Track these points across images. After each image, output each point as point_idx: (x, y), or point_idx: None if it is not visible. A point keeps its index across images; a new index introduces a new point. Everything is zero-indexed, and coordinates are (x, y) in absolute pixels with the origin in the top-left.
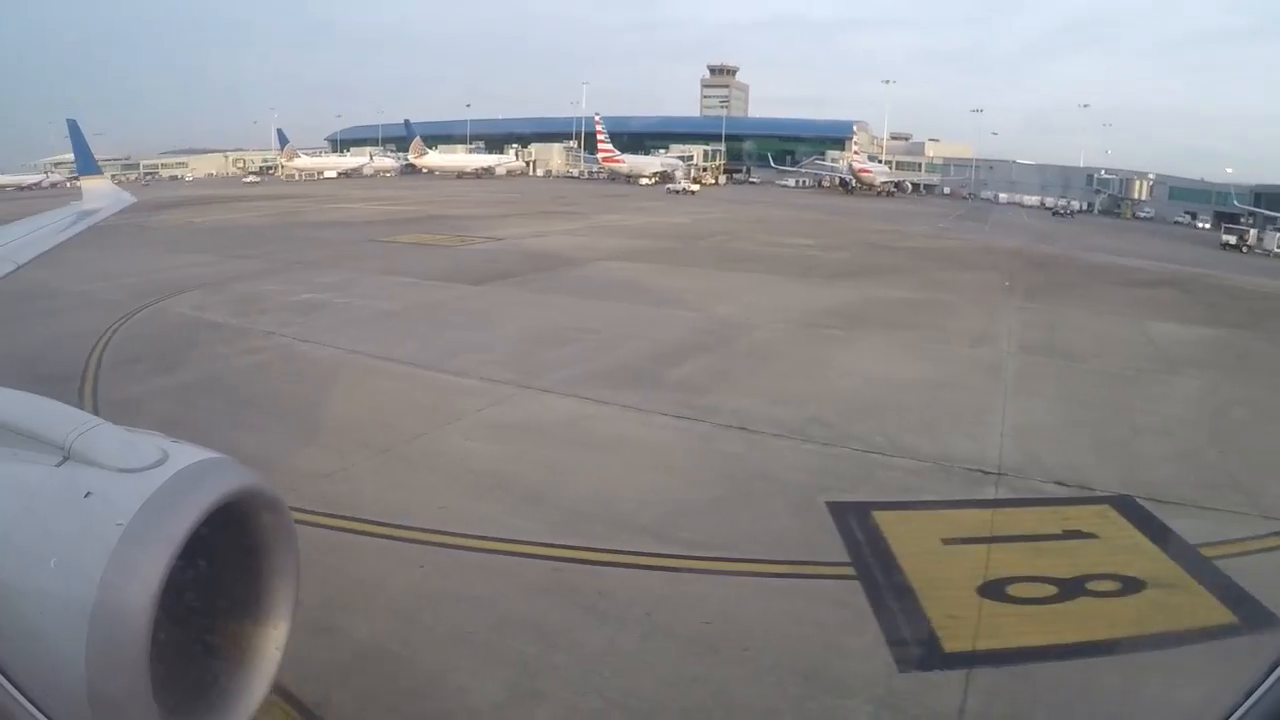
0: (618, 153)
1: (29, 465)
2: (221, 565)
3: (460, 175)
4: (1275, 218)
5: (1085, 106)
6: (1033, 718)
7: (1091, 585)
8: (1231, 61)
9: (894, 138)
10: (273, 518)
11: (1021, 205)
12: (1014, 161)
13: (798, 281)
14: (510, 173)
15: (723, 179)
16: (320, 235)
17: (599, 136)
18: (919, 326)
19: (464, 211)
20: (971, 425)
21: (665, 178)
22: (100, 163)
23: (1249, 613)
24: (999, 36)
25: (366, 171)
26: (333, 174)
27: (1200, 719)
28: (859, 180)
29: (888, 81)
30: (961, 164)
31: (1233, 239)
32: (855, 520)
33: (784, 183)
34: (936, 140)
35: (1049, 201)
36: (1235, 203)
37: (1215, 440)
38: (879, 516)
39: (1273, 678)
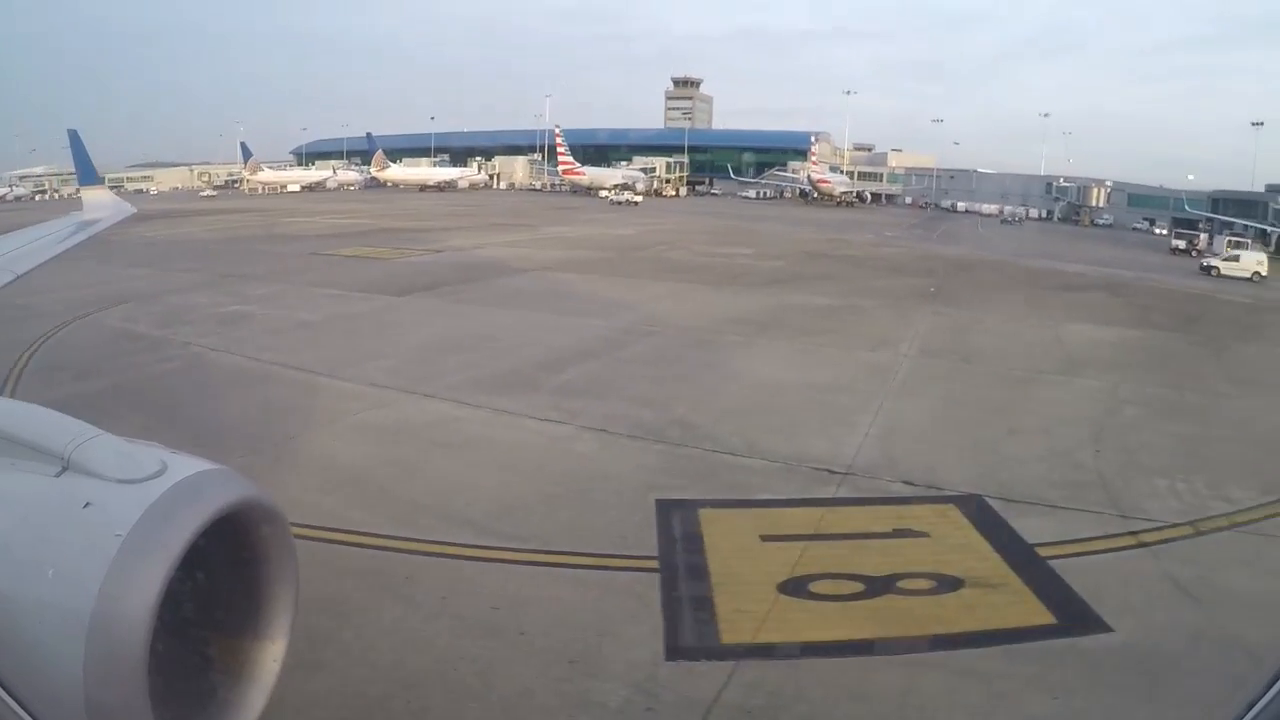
0: (578, 165)
1: (28, 475)
2: (220, 576)
3: (423, 188)
4: (1232, 223)
5: (1046, 115)
6: (790, 712)
7: (903, 584)
8: (1194, 70)
9: (857, 148)
10: (271, 529)
11: (980, 214)
12: (975, 171)
13: (719, 290)
14: (473, 185)
15: (684, 190)
16: (265, 249)
17: (559, 149)
18: (825, 332)
19: (415, 224)
20: (838, 427)
21: (626, 189)
22: (63, 177)
23: (1069, 613)
24: (966, 47)
25: (330, 185)
26: (296, 187)
27: None
28: (818, 191)
29: (848, 92)
30: (923, 174)
31: (1182, 244)
32: (678, 517)
33: (745, 194)
34: (899, 150)
35: (1006, 210)
36: (1187, 208)
37: (1094, 440)
38: (704, 514)
39: (1273, 691)
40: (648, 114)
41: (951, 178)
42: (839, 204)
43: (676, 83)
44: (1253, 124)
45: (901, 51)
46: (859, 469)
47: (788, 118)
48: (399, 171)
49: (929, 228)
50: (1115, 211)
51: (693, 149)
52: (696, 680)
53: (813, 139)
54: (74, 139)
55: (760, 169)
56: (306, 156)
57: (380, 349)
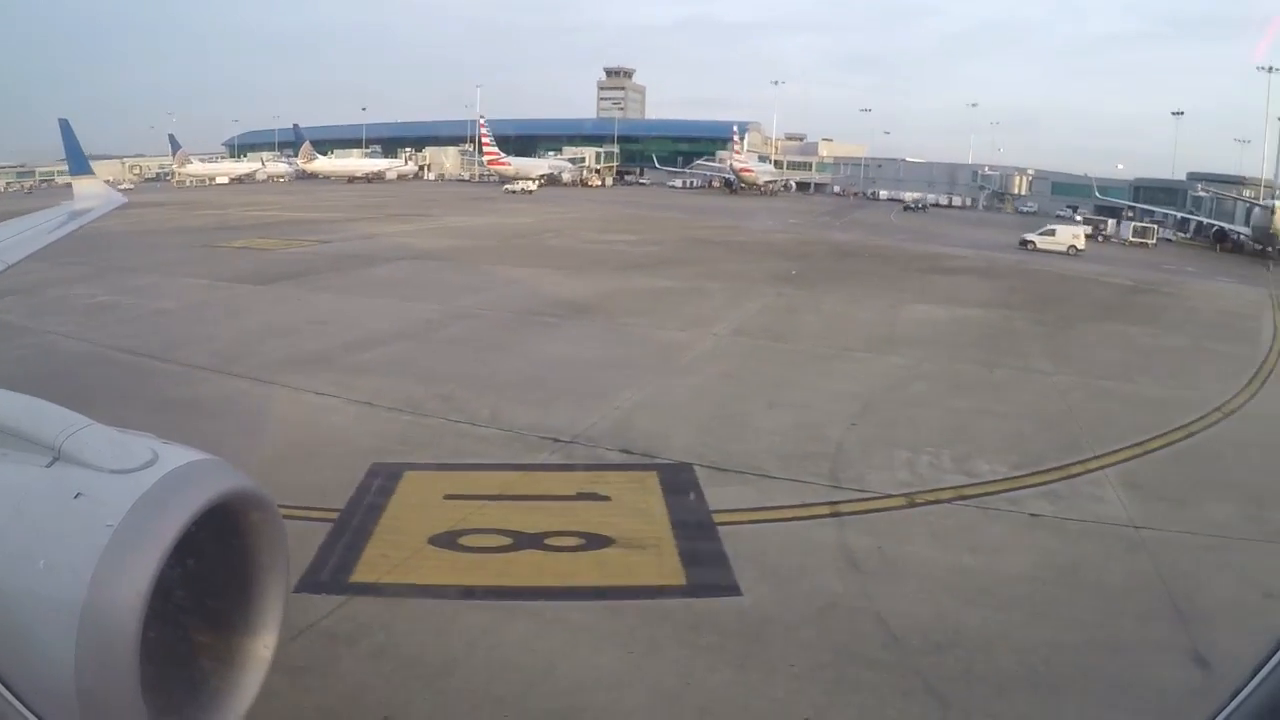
0: (503, 155)
1: (19, 466)
2: (211, 566)
3: (351, 180)
4: (1152, 210)
5: (974, 105)
6: (369, 639)
7: (550, 540)
8: (1127, 63)
9: (789, 138)
10: (262, 519)
11: (901, 201)
12: (902, 160)
13: (574, 275)
14: (401, 177)
15: (610, 180)
16: (162, 241)
17: (483, 140)
18: (646, 313)
19: (322, 216)
20: (594, 400)
21: (552, 179)
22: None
23: (704, 577)
24: (908, 40)
25: (260, 177)
26: (225, 180)
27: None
28: (741, 180)
29: (776, 83)
30: (851, 163)
31: (1089, 229)
32: (383, 478)
33: (673, 183)
34: (830, 140)
35: (909, 197)
36: (1096, 194)
37: (858, 415)
38: (408, 475)
39: (1257, 679)
40: (585, 104)
41: (879, 166)
42: (764, 192)
43: (609, 73)
44: (1173, 113)
45: (843, 44)
46: (586, 438)
47: (725, 108)
48: (326, 163)
49: (839, 214)
50: (1040, 199)
51: (624, 139)
52: (306, 609)
53: (735, 130)
54: (65, 128)
55: (691, 158)
56: (239, 148)
57: (215, 334)
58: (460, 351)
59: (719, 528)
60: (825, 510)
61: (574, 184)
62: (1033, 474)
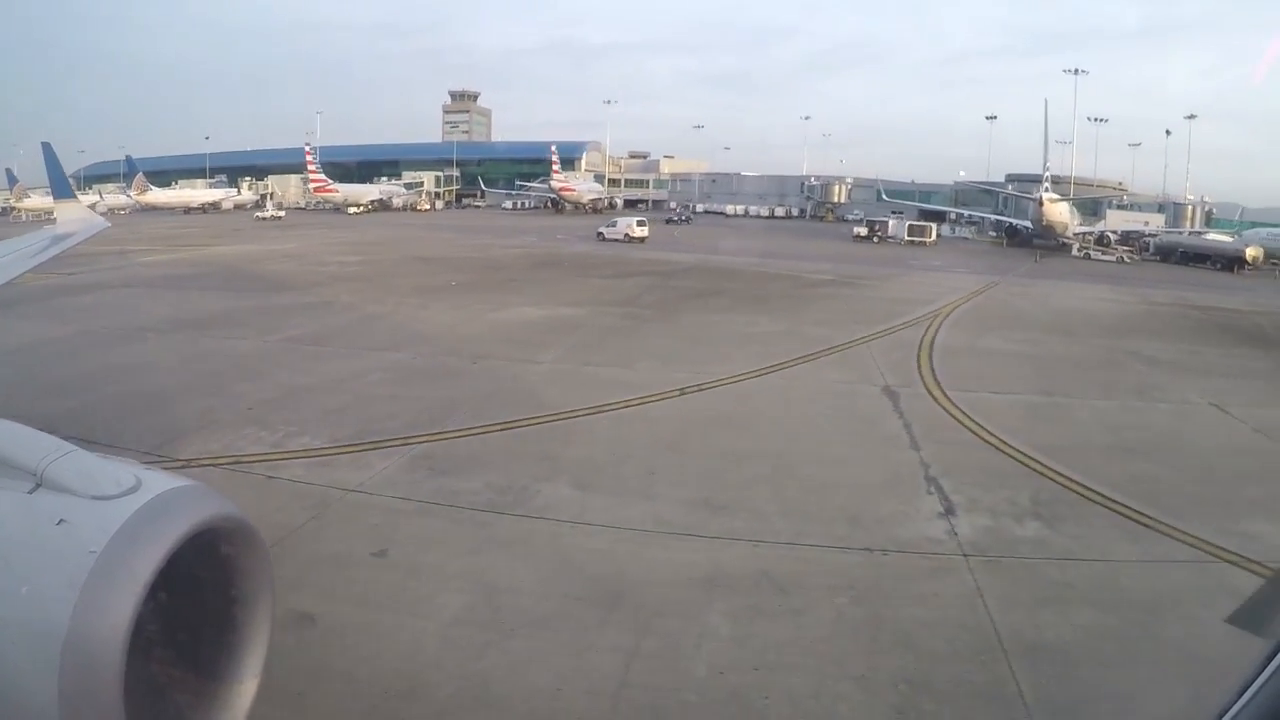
0: (329, 183)
1: (0, 492)
2: (195, 592)
3: (187, 210)
4: (964, 213)
5: (807, 118)
6: None
7: None
8: (979, 77)
9: (632, 156)
10: (246, 545)
11: (723, 214)
12: (736, 174)
13: (231, 296)
14: (238, 206)
15: (439, 204)
16: None
17: (309, 167)
18: (239, 325)
19: (107, 249)
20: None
21: (384, 205)
22: None
23: None
24: (771, 60)
25: (100, 209)
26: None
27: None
28: (564, 199)
29: (608, 102)
30: (684, 178)
31: (864, 231)
32: None
33: (505, 204)
34: (671, 157)
35: (752, 210)
36: (917, 200)
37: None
38: None
39: (1258, 681)
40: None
41: (714, 181)
42: (589, 211)
43: (454, 96)
44: (986, 118)
45: (711, 64)
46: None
47: (584, 129)
48: (161, 194)
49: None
50: (867, 207)
51: (466, 162)
52: None
53: (553, 150)
54: (47, 152)
55: (532, 179)
56: (85, 180)
57: None
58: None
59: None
60: None
61: (404, 208)
62: None
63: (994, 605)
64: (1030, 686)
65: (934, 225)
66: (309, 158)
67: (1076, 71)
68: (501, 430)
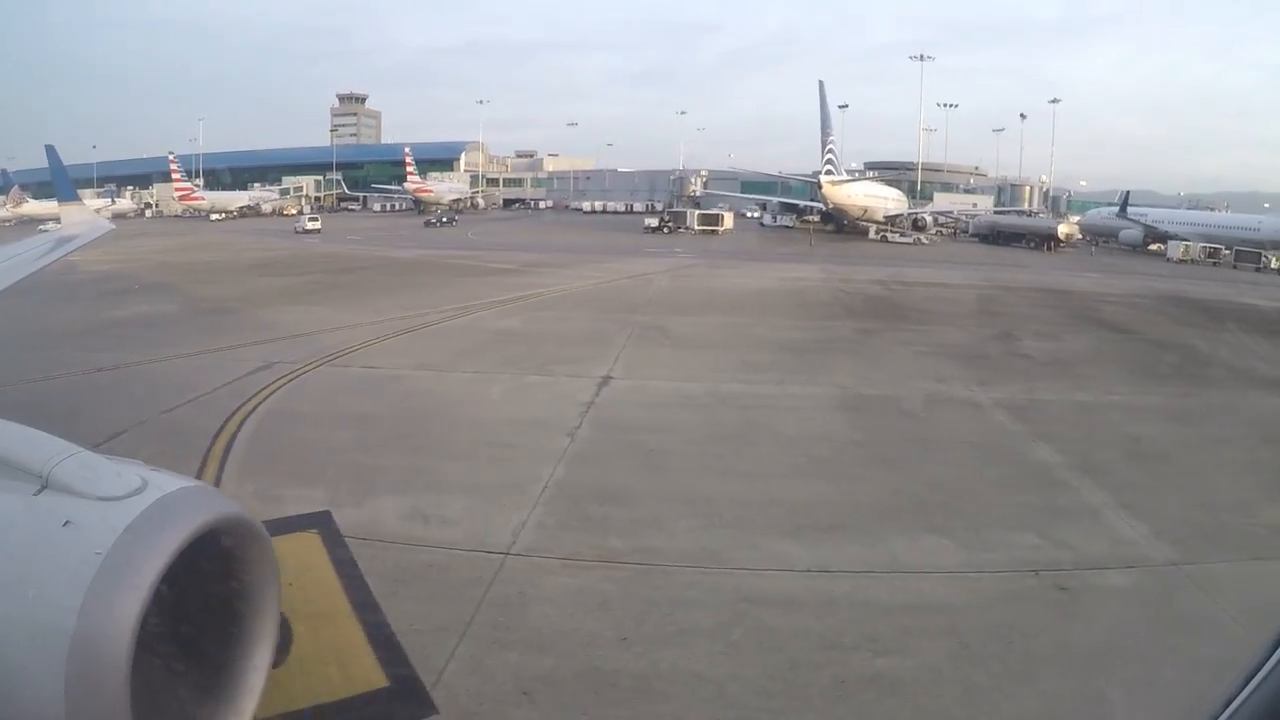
0: (196, 191)
1: (6, 494)
2: (201, 593)
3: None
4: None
5: (683, 114)
6: None
7: None
8: (895, 73)
9: (519, 155)
10: (252, 545)
11: (580, 211)
12: (611, 170)
13: None
14: (119, 215)
15: (309, 209)
16: None
17: (174, 175)
18: None
19: None
20: None
21: (254, 210)
22: None
23: None
24: (692, 57)
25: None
26: None
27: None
28: (421, 200)
29: (481, 102)
30: (561, 176)
31: (655, 223)
32: None
33: (374, 207)
34: (555, 155)
35: (611, 205)
36: (759, 192)
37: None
38: None
39: (1255, 680)
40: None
41: (588, 178)
42: (452, 210)
43: (341, 99)
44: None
45: (634, 61)
46: None
47: (493, 129)
48: (38, 206)
49: (466, 230)
50: (730, 200)
51: (349, 165)
52: None
53: (406, 151)
54: (51, 155)
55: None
56: None
57: None
58: None
59: None
60: None
61: (273, 214)
62: None
63: None
64: None
65: (729, 214)
66: (173, 167)
67: (922, 58)
68: None
